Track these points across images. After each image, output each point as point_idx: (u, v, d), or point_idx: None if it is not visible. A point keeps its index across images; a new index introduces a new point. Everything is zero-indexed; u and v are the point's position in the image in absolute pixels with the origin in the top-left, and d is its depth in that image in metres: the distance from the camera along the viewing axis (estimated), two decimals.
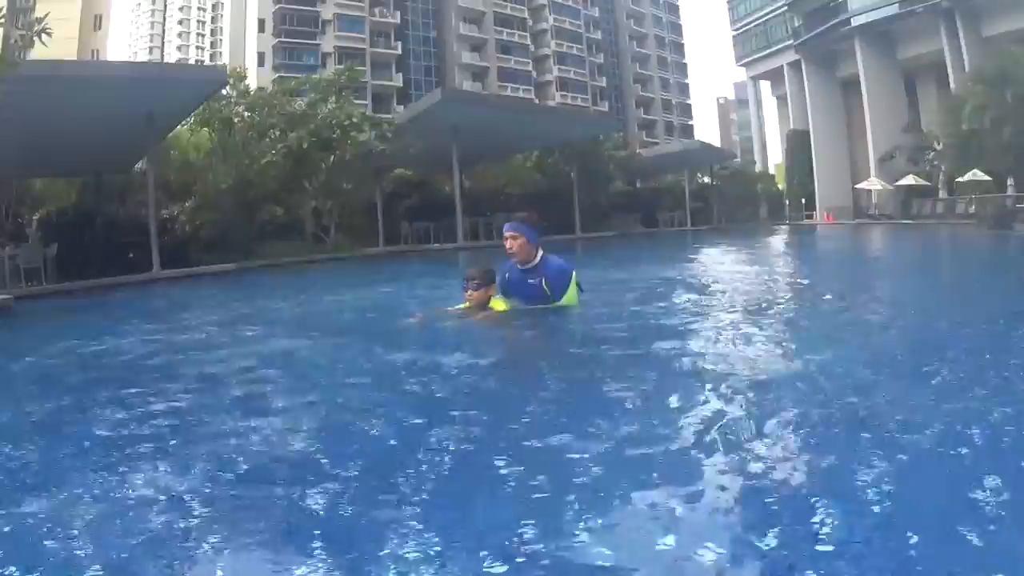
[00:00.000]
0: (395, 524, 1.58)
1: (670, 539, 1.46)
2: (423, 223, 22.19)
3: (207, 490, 1.86)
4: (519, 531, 1.50)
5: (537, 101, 55.57)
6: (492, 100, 34.16)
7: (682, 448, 1.99)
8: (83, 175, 18.88)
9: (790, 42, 41.55)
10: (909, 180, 30.67)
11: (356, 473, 1.95)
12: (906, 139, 33.27)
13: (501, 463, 1.91)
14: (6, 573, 1.45)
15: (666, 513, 1.57)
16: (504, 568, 1.36)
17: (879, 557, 1.35)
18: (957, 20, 31.51)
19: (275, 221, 19.31)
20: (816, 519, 1.50)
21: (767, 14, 43.98)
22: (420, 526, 1.56)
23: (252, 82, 23.00)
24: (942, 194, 30.71)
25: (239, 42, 54.28)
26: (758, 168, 52.60)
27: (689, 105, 76.04)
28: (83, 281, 12.58)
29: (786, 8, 41.76)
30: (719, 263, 11.76)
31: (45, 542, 1.59)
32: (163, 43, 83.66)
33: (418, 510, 1.66)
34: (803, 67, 40.68)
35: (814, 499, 1.59)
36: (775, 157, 55.54)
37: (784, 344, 3.68)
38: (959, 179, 26.23)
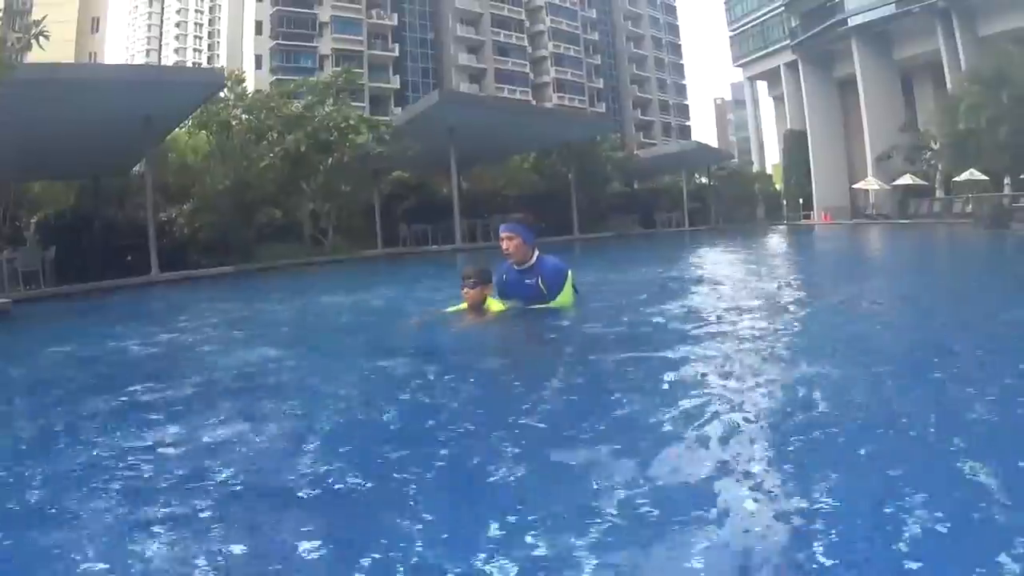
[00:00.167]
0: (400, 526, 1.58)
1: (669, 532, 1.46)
2: (421, 225, 22.19)
3: (208, 493, 1.86)
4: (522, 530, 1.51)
5: (534, 103, 55.61)
6: (489, 102, 34.20)
7: (686, 445, 2.00)
8: (81, 178, 18.87)
9: (787, 42, 41.61)
10: (906, 180, 30.73)
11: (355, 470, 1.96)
12: (903, 139, 33.32)
13: (499, 468, 1.92)
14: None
15: (669, 510, 1.58)
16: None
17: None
18: (953, 20, 31.58)
19: (273, 223, 19.30)
20: (817, 518, 1.51)
21: (764, 14, 44.04)
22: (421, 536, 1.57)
23: (250, 84, 23.00)
24: (939, 194, 30.77)
25: (236, 44, 54.28)
26: (755, 168, 52.70)
27: (686, 106, 76.12)
28: (81, 284, 12.57)
29: (783, 9, 41.84)
30: (718, 264, 11.78)
31: (46, 542, 1.60)
32: (160, 46, 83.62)
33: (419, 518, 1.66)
34: (800, 67, 40.74)
35: (814, 498, 1.60)
36: (772, 157, 55.72)
37: (784, 342, 3.69)
38: (956, 178, 26.29)
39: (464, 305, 4.36)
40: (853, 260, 13.32)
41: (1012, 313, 4.52)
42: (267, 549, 1.55)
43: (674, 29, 76.32)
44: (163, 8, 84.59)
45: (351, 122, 19.33)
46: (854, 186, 35.63)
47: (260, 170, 18.05)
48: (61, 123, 13.15)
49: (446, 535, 1.54)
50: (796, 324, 4.51)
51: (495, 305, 4.25)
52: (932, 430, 2.07)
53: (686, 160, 32.61)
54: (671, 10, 76.59)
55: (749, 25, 45.66)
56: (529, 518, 1.57)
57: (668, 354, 3.36)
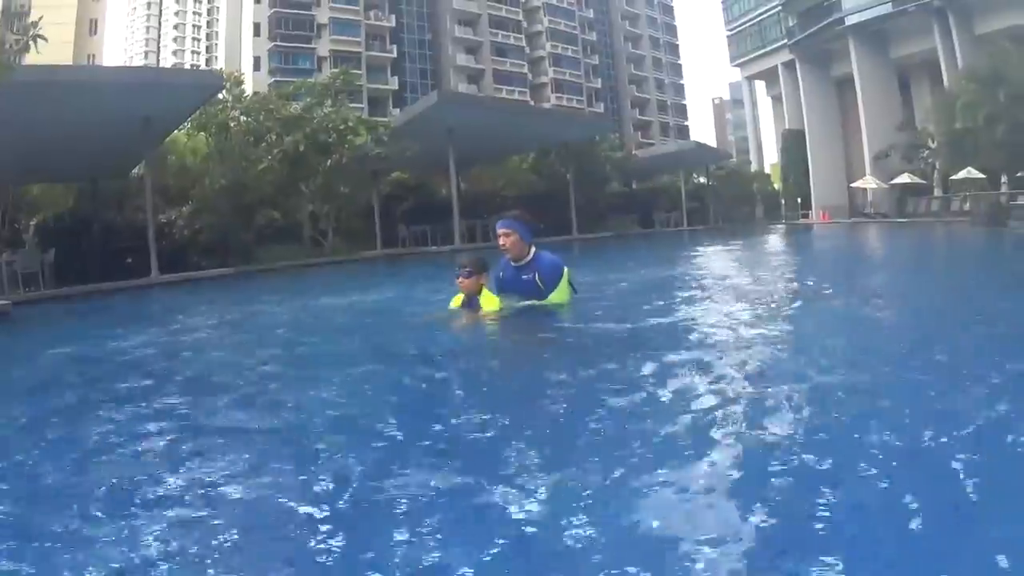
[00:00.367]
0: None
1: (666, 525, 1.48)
2: (420, 226, 22.22)
3: (213, 494, 1.86)
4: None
5: (533, 103, 55.63)
6: (488, 102, 34.21)
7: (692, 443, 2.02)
8: (80, 180, 18.87)
9: (784, 42, 41.62)
10: (904, 178, 30.76)
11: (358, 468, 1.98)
12: (901, 138, 33.33)
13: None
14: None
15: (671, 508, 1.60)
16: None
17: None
18: (950, 18, 31.62)
19: (273, 225, 19.33)
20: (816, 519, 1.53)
21: (761, 14, 44.08)
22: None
23: (248, 86, 23.01)
24: (937, 192, 30.79)
25: (235, 46, 54.25)
26: (754, 168, 52.83)
27: (684, 106, 76.15)
28: (81, 286, 12.58)
29: (780, 8, 41.87)
30: (718, 263, 11.79)
31: (46, 544, 1.61)
32: (159, 47, 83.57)
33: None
34: (797, 67, 40.77)
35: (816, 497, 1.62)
36: (771, 157, 55.81)
37: (783, 341, 3.71)
38: (953, 177, 26.31)
39: (460, 297, 4.37)
40: (851, 259, 13.34)
41: (1011, 310, 4.55)
42: (271, 550, 1.56)
43: (672, 29, 76.39)
44: (161, 10, 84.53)
45: (350, 123, 19.36)
46: (852, 185, 35.66)
47: (259, 172, 18.07)
48: (60, 125, 13.16)
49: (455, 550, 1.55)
50: (796, 322, 4.52)
51: (490, 297, 4.26)
52: (926, 420, 2.09)
53: (684, 160, 32.64)
54: (668, 10, 76.65)
55: (746, 25, 45.70)
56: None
57: (686, 356, 3.37)
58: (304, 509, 1.70)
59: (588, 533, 1.48)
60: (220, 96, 17.69)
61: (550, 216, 22.64)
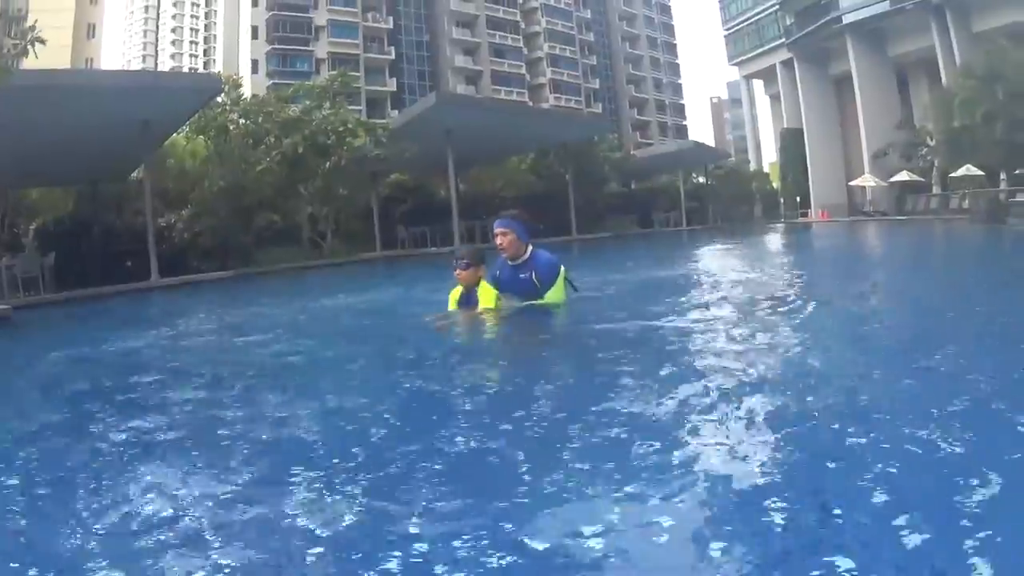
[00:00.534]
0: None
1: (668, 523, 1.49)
2: (419, 227, 22.23)
3: (212, 497, 1.85)
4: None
5: (531, 104, 55.67)
6: (486, 103, 34.28)
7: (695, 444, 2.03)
8: (79, 184, 18.90)
9: (782, 40, 41.67)
10: (903, 176, 30.80)
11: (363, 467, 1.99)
12: (899, 135, 33.39)
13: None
14: None
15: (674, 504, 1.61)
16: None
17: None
18: (947, 16, 31.67)
19: (272, 227, 19.35)
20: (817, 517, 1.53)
21: (759, 13, 44.12)
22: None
23: (246, 89, 23.03)
24: (936, 190, 30.83)
25: (233, 49, 54.28)
26: (752, 167, 52.84)
27: (683, 105, 76.23)
28: (81, 290, 12.59)
29: (777, 7, 41.92)
30: (717, 263, 11.81)
31: (47, 544, 1.61)
32: (156, 51, 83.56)
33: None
34: (795, 65, 40.81)
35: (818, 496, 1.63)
36: (769, 156, 55.76)
37: (783, 340, 3.72)
38: (952, 174, 26.35)
39: (459, 289, 4.38)
40: (851, 257, 13.35)
41: (1010, 305, 4.56)
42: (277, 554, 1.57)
43: (669, 28, 76.45)
44: (159, 14, 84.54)
45: (348, 125, 19.39)
46: (851, 183, 35.70)
47: (258, 174, 18.09)
48: (59, 129, 13.18)
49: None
50: (797, 322, 4.53)
51: (488, 289, 4.27)
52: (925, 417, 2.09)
53: (683, 159, 32.66)
54: (666, 10, 76.72)
55: (744, 24, 45.74)
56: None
57: (686, 356, 3.38)
58: (303, 523, 1.67)
59: (600, 544, 1.47)
60: (219, 99, 17.72)
61: (549, 216, 22.68)
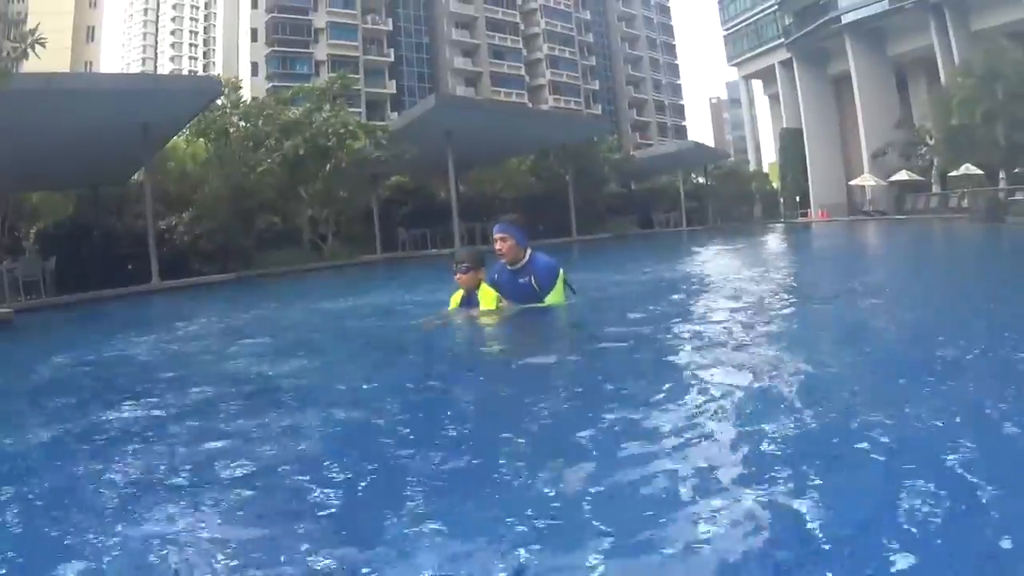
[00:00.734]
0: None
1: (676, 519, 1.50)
2: (419, 229, 22.25)
3: (212, 497, 1.86)
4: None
5: (530, 105, 55.70)
6: (486, 105, 34.27)
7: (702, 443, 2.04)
8: (80, 187, 18.92)
9: (781, 41, 41.70)
10: (902, 176, 30.82)
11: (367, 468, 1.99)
12: (898, 135, 33.40)
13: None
14: None
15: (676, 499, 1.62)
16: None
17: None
18: (946, 15, 31.69)
19: (273, 230, 19.37)
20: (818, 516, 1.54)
21: (757, 13, 44.16)
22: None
23: (246, 91, 23.06)
24: (935, 189, 30.85)
25: (232, 52, 54.33)
26: (752, 167, 52.86)
27: (682, 106, 76.28)
28: (82, 293, 12.60)
29: (776, 7, 41.95)
30: (717, 263, 11.81)
31: (48, 544, 1.62)
32: (156, 54, 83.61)
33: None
34: (794, 65, 40.83)
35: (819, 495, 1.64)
36: (769, 156, 55.83)
37: (783, 340, 3.73)
38: (951, 173, 26.36)
39: (460, 293, 4.40)
40: (850, 256, 13.36)
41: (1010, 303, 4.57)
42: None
43: (668, 29, 76.51)
44: (158, 16, 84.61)
45: (349, 127, 19.40)
46: (851, 183, 35.72)
47: (258, 176, 18.11)
48: (59, 133, 13.20)
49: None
50: (796, 321, 4.54)
51: (488, 291, 4.28)
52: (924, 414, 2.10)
53: (683, 160, 32.67)
54: (665, 10, 76.79)
55: (743, 24, 45.78)
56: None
57: (686, 356, 3.39)
58: (301, 528, 1.67)
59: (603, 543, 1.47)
60: (219, 102, 17.74)
61: (549, 217, 22.72)
